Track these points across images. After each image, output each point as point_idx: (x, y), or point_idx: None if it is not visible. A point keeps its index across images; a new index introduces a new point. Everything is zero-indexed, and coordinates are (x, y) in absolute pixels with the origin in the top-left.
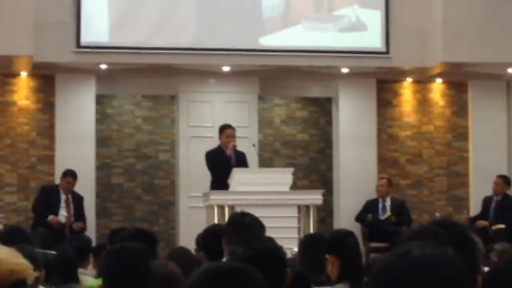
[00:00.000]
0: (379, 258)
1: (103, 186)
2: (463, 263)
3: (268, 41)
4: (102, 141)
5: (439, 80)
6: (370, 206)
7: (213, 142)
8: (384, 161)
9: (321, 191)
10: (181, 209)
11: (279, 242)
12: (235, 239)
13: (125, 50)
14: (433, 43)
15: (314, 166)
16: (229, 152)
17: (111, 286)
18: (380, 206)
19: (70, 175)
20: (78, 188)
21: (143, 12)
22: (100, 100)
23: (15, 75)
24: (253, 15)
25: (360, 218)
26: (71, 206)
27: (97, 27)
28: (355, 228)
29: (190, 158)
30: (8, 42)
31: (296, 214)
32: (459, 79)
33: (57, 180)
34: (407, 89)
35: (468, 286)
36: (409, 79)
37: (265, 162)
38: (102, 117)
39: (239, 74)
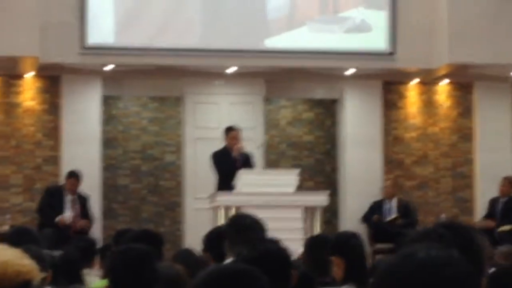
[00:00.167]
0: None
1: (109, 187)
2: (467, 265)
3: (274, 42)
4: (108, 143)
5: (444, 82)
6: (376, 207)
7: (219, 143)
8: (390, 163)
9: (327, 192)
10: (187, 210)
11: (284, 243)
12: (237, 240)
13: (131, 51)
14: (439, 45)
15: (320, 168)
16: (234, 154)
17: (117, 287)
18: (386, 207)
19: (74, 176)
20: (84, 189)
21: (149, 13)
22: (106, 101)
23: (21, 76)
24: (259, 16)
25: (365, 219)
26: (76, 206)
27: (102, 28)
28: (361, 229)
29: (196, 159)
30: (14, 43)
31: (301, 215)
32: (464, 81)
33: (63, 181)
34: (412, 91)
35: None
36: (415, 81)
37: (271, 163)
38: (108, 118)
39: (245, 76)
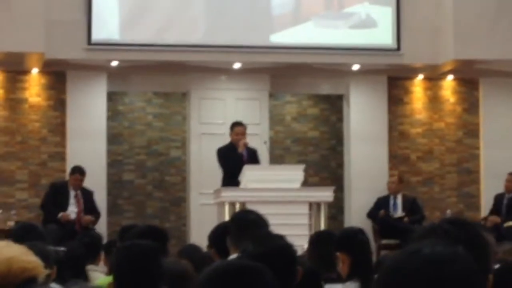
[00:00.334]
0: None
1: (114, 183)
2: (473, 262)
3: (279, 38)
4: (113, 138)
5: (450, 77)
6: (381, 203)
7: (224, 139)
8: (395, 158)
9: (332, 188)
10: (192, 206)
11: (290, 239)
12: (240, 236)
13: (136, 47)
14: (445, 40)
15: (325, 163)
16: (240, 149)
17: (121, 284)
18: (391, 203)
19: (78, 171)
20: (89, 185)
21: (154, 9)
22: (112, 97)
23: (27, 72)
24: (264, 12)
25: (371, 215)
26: (81, 201)
27: (108, 24)
28: (366, 225)
29: (201, 155)
30: (19, 39)
31: (307, 211)
32: (470, 76)
33: (67, 177)
34: (418, 86)
35: (477, 285)
36: (420, 76)
37: (276, 159)
38: (113, 114)
39: (250, 71)
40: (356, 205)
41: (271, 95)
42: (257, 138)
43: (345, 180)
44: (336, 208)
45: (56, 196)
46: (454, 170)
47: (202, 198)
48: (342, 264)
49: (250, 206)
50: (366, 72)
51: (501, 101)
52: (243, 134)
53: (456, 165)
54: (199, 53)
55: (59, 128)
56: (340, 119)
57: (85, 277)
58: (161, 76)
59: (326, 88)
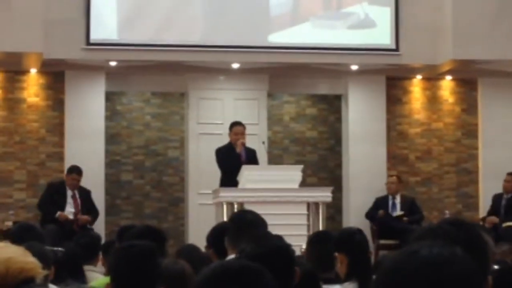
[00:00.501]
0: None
1: (112, 183)
2: (471, 263)
3: (277, 38)
4: (111, 138)
5: (448, 77)
6: (380, 203)
7: (223, 139)
8: (394, 158)
9: (330, 188)
10: (190, 206)
11: (288, 240)
12: (238, 236)
13: (135, 47)
14: (443, 40)
15: (323, 163)
16: (238, 149)
17: (119, 284)
18: (390, 203)
19: (75, 171)
20: (87, 185)
21: (153, 9)
22: (110, 97)
23: (25, 72)
24: (262, 12)
25: (370, 215)
26: (78, 201)
27: (106, 24)
28: (365, 226)
29: (199, 155)
30: (18, 39)
31: (305, 212)
32: (469, 76)
33: (65, 177)
34: (416, 86)
35: (476, 286)
36: (419, 76)
37: (275, 159)
38: (111, 114)
39: (248, 72)
40: (355, 206)
41: (270, 95)
42: (256, 138)
43: (343, 180)
44: (335, 209)
45: (53, 196)
46: (452, 170)
47: (200, 198)
48: (340, 264)
49: (248, 206)
50: (365, 72)
51: (500, 102)
52: (242, 134)
53: (455, 165)
54: (197, 53)
55: (57, 128)
56: (338, 119)
57: (83, 277)
58: (160, 76)
59: (324, 88)
